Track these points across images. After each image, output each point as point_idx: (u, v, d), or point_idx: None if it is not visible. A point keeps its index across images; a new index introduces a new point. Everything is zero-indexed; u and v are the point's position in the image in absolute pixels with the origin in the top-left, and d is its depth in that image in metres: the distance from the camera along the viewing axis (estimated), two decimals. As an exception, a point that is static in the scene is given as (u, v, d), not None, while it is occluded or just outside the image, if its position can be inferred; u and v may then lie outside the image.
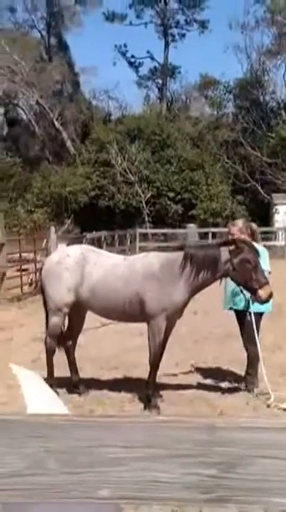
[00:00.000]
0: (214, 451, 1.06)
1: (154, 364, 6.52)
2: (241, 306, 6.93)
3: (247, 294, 6.56)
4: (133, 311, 6.40)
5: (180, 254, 6.31)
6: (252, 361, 6.99)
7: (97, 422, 1.13)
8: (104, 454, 1.10)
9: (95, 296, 6.50)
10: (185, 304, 6.46)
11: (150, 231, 30.88)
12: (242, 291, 6.67)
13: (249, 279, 6.18)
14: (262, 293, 6.16)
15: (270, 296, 6.24)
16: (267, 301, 6.28)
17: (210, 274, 6.23)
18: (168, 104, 47.23)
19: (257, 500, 1.04)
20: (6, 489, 1.11)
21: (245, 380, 7.00)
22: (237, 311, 7.09)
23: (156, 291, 6.23)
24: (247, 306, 6.74)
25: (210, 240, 24.16)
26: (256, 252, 6.30)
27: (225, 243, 6.39)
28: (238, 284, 6.44)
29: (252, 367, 6.99)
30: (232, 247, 6.22)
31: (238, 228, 7.07)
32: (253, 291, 6.24)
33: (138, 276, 6.34)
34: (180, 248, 6.55)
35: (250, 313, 6.78)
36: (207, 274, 6.22)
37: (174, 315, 6.44)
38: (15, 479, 1.12)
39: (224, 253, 6.22)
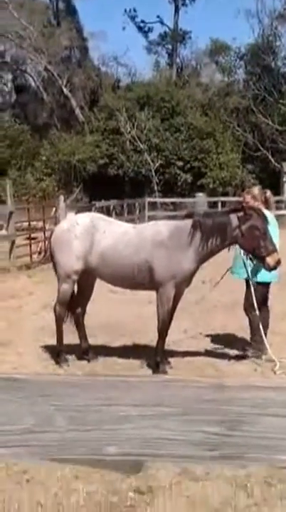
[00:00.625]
0: (220, 410, 1.08)
1: (163, 331, 6.58)
2: (243, 275, 6.96)
3: (249, 265, 6.62)
4: (142, 279, 6.43)
5: (189, 222, 6.31)
6: (255, 329, 7.04)
7: (106, 381, 1.16)
8: (113, 412, 1.12)
9: (104, 264, 6.53)
10: (194, 272, 6.49)
11: (159, 200, 30.75)
12: (244, 261, 6.70)
13: (257, 246, 6.18)
14: (270, 260, 6.18)
15: (278, 263, 6.25)
16: (274, 268, 6.29)
17: (219, 241, 6.25)
18: (178, 70, 46.52)
19: (262, 458, 1.07)
20: (16, 445, 1.13)
21: (252, 347, 7.06)
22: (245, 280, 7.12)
23: (165, 259, 6.25)
24: (249, 276, 6.77)
25: (219, 209, 24.06)
26: (265, 220, 6.29)
27: (235, 210, 6.39)
28: (247, 252, 6.45)
29: (256, 334, 7.03)
30: (241, 214, 6.22)
31: (252, 196, 7.04)
32: (261, 259, 6.25)
33: (147, 244, 6.35)
34: (189, 216, 6.55)
35: (247, 282, 6.83)
36: (216, 242, 6.24)
37: (183, 283, 6.47)
38: (25, 436, 1.15)
39: (233, 220, 6.23)
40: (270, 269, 6.29)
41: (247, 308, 7.02)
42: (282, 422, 1.06)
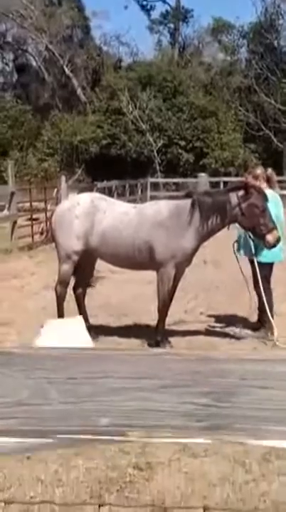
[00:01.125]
0: (210, 382, 1.10)
1: (163, 311, 6.61)
2: (244, 254, 7.00)
3: (251, 244, 6.64)
4: (142, 259, 6.45)
5: (188, 202, 6.32)
6: (261, 308, 7.08)
7: (99, 354, 1.17)
8: (105, 385, 1.14)
9: (105, 244, 6.54)
10: (194, 252, 6.51)
11: (161, 180, 30.67)
12: (247, 240, 6.72)
13: (257, 224, 6.21)
14: (270, 237, 6.21)
15: (278, 240, 6.27)
16: (274, 245, 6.31)
17: (218, 220, 6.27)
18: (180, 49, 46.09)
19: (250, 428, 1.09)
20: (10, 417, 1.16)
21: (262, 328, 7.06)
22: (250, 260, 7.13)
23: (165, 239, 6.26)
24: (252, 255, 6.79)
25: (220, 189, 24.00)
26: (265, 198, 6.30)
27: (235, 188, 6.40)
28: (247, 230, 6.46)
29: (263, 313, 7.06)
30: (241, 192, 6.22)
31: (254, 176, 7.03)
32: (261, 236, 6.28)
33: (147, 224, 6.37)
34: (188, 195, 6.55)
35: (252, 262, 6.86)
36: (215, 220, 6.25)
37: (183, 263, 6.49)
38: (18, 408, 1.17)
39: (233, 198, 6.24)
40: (270, 246, 6.31)
41: (258, 289, 7.01)
42: (269, 394, 1.08)
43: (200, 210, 6.25)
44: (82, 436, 1.09)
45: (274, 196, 6.89)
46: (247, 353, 1.09)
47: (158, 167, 34.02)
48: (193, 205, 6.28)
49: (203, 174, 29.50)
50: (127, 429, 1.13)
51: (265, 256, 6.84)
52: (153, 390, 1.12)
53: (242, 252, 7.12)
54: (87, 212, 6.59)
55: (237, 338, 7.06)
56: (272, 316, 7.00)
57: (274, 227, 6.27)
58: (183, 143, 34.71)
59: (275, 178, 7.49)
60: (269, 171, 7.34)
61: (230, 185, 6.69)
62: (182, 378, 1.12)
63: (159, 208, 6.48)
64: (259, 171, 7.23)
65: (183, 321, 7.73)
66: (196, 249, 6.49)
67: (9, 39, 45.56)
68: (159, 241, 6.28)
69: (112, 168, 32.29)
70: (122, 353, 1.16)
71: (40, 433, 1.17)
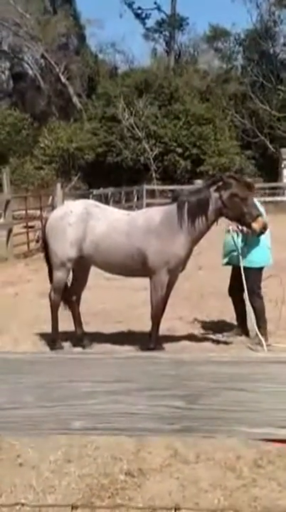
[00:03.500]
0: (181, 384, 1.11)
1: (156, 318, 6.61)
2: (236, 260, 6.99)
3: (239, 248, 6.66)
4: (135, 266, 6.46)
5: (175, 205, 6.35)
6: (257, 314, 7.07)
7: (71, 358, 1.19)
8: (77, 388, 1.15)
9: (98, 251, 6.55)
10: (187, 256, 6.50)
11: (157, 187, 30.70)
12: (236, 246, 6.74)
13: (241, 213, 6.19)
14: (256, 226, 6.18)
15: (265, 228, 6.24)
16: (262, 233, 6.29)
17: (205, 217, 6.26)
18: (176, 57, 46.31)
19: (221, 430, 1.10)
20: (-15, 421, 1.17)
21: (259, 333, 7.06)
22: (234, 266, 7.14)
23: (158, 246, 6.27)
24: (240, 261, 6.80)
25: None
26: (247, 186, 6.28)
27: (214, 182, 6.36)
28: (233, 221, 6.45)
29: (259, 319, 7.05)
30: (220, 184, 6.21)
31: None
32: (247, 226, 6.27)
33: (139, 232, 6.38)
34: (175, 199, 6.56)
35: (236, 269, 6.87)
36: (203, 219, 6.24)
37: (177, 269, 6.50)
38: (-5, 413, 1.18)
39: (213, 193, 6.24)
40: (257, 234, 6.30)
41: (250, 294, 7.00)
42: (239, 396, 1.10)
43: (187, 211, 6.26)
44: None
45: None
46: (218, 355, 1.11)
47: (154, 174, 34.07)
48: (178, 207, 6.29)
49: (199, 181, 29.54)
50: (100, 432, 1.14)
51: (254, 261, 6.87)
52: (125, 393, 1.14)
53: (226, 260, 7.14)
54: (81, 219, 6.60)
55: (232, 343, 7.07)
56: (266, 321, 7.04)
57: (260, 214, 6.23)
58: (179, 150, 34.77)
59: (254, 186, 7.48)
60: (248, 180, 7.32)
61: (209, 180, 6.62)
62: (154, 381, 1.13)
63: (151, 215, 6.50)
64: None
65: (178, 327, 7.73)
66: (189, 254, 6.48)
67: (5, 47, 45.73)
68: (151, 248, 6.29)
69: (109, 176, 32.37)
70: (95, 357, 1.18)
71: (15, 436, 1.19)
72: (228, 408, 1.10)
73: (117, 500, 3.68)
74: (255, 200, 6.76)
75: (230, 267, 7.38)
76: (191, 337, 7.34)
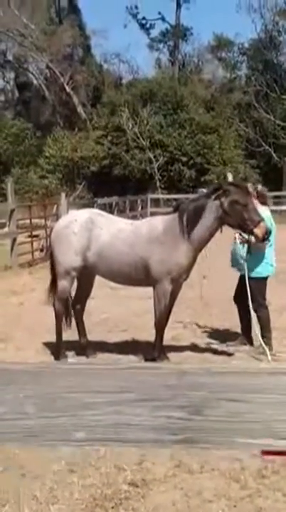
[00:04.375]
0: (183, 395, 1.11)
1: (160, 327, 6.59)
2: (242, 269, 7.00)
3: (244, 257, 6.65)
4: (139, 275, 6.44)
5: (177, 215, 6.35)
6: (262, 323, 7.05)
7: (73, 368, 1.19)
8: (79, 399, 1.15)
9: (102, 260, 6.55)
10: (191, 265, 6.47)
11: (162, 196, 30.71)
12: (241, 256, 6.73)
13: (242, 220, 6.14)
14: (258, 231, 6.13)
15: (267, 233, 6.20)
16: (264, 239, 6.25)
17: (206, 225, 6.22)
18: (180, 67, 46.49)
19: (223, 441, 1.10)
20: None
21: (263, 343, 7.03)
22: (241, 275, 7.12)
23: (161, 255, 6.25)
24: (245, 271, 6.79)
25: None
26: (246, 192, 6.26)
27: (215, 190, 6.30)
28: (235, 228, 6.42)
29: (264, 329, 7.04)
30: (220, 192, 6.18)
31: None
32: (250, 232, 6.24)
33: (142, 241, 6.36)
34: (176, 208, 6.53)
35: (243, 278, 6.85)
36: (204, 227, 6.21)
37: (180, 278, 6.47)
38: (-4, 423, 1.18)
39: (214, 200, 6.19)
40: (260, 240, 6.26)
41: (255, 304, 6.98)
42: (240, 407, 1.10)
43: (187, 220, 6.23)
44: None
45: (268, 217, 6.87)
46: (219, 366, 1.11)
47: (158, 183, 34.11)
48: (179, 216, 6.27)
49: (204, 190, 29.54)
50: (101, 443, 1.14)
51: (258, 271, 6.86)
52: (127, 404, 1.14)
53: (236, 268, 7.15)
54: (85, 228, 6.60)
55: (236, 353, 7.05)
56: (270, 331, 7.03)
57: (262, 220, 6.17)
58: (184, 159, 34.82)
59: (267, 193, 7.44)
60: (260, 187, 7.30)
61: (210, 188, 6.59)
62: (156, 392, 1.13)
63: (154, 224, 6.48)
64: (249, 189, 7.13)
65: (182, 336, 7.72)
66: (192, 262, 6.45)
67: (10, 58, 46.05)
68: (154, 257, 6.27)
69: (113, 185, 32.40)
70: (96, 367, 1.18)
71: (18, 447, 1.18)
72: (230, 419, 1.10)
73: (120, 510, 3.66)
74: (265, 209, 6.77)
75: (235, 276, 7.37)
76: (195, 346, 7.32)
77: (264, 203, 7.00)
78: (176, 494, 3.83)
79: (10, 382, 1.18)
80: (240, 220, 6.16)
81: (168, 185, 34.31)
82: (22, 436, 1.19)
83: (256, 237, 6.20)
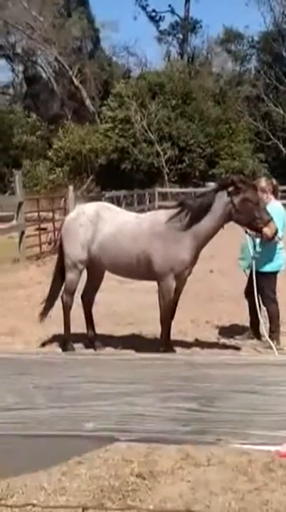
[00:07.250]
0: (194, 387, 1.11)
1: (165, 322, 6.55)
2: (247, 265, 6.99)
3: (252, 253, 6.62)
4: (141, 269, 6.38)
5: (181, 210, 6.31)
6: (271, 318, 7.05)
7: (84, 359, 1.19)
8: (90, 389, 1.15)
9: (105, 253, 6.52)
10: (194, 260, 6.40)
11: (169, 190, 30.66)
12: (250, 251, 6.70)
13: (252, 218, 6.10)
14: (267, 230, 6.11)
15: (276, 232, 6.20)
16: (272, 238, 6.24)
17: (211, 221, 6.16)
18: (189, 59, 46.28)
19: (234, 432, 1.09)
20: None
21: (270, 338, 7.01)
22: (251, 269, 7.10)
23: (163, 250, 6.19)
24: (254, 266, 6.77)
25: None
26: (256, 190, 6.24)
27: (224, 186, 6.23)
28: (243, 226, 6.40)
29: (272, 323, 7.03)
30: (231, 189, 6.14)
31: (260, 189, 6.82)
32: (259, 231, 6.21)
33: (145, 235, 6.31)
34: (181, 203, 6.48)
35: (251, 273, 6.83)
36: (209, 222, 6.17)
37: (183, 273, 6.38)
38: (6, 413, 1.19)
39: (224, 196, 6.14)
40: (269, 239, 6.25)
41: (264, 299, 6.97)
42: (252, 398, 1.09)
43: (192, 215, 6.16)
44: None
45: (279, 208, 6.86)
46: (231, 357, 1.10)
47: (166, 177, 34.02)
48: (183, 211, 6.21)
49: (212, 183, 29.46)
50: (112, 434, 1.14)
51: (268, 266, 6.84)
52: (138, 394, 1.13)
53: (245, 263, 7.12)
54: (91, 221, 6.59)
55: (243, 347, 7.04)
56: (279, 325, 7.01)
57: (271, 219, 6.15)
58: (193, 152, 34.67)
59: (279, 188, 7.43)
60: (275, 182, 7.25)
61: (219, 183, 6.50)
62: (167, 383, 1.13)
63: (157, 219, 6.43)
64: (264, 183, 7.05)
65: (190, 330, 7.71)
66: (195, 258, 6.38)
67: (19, 51, 46.00)
68: (157, 252, 6.21)
69: (122, 178, 32.36)
70: (107, 358, 1.18)
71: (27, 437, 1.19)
72: (242, 411, 1.09)
73: (127, 502, 3.67)
74: (278, 203, 6.76)
75: (241, 271, 7.35)
76: (202, 340, 7.31)
77: (275, 195, 7.00)
78: (183, 486, 3.83)
79: (20, 373, 1.18)
80: (251, 218, 6.12)
81: (177, 179, 34.21)
82: (32, 426, 1.19)
83: (265, 235, 6.18)
